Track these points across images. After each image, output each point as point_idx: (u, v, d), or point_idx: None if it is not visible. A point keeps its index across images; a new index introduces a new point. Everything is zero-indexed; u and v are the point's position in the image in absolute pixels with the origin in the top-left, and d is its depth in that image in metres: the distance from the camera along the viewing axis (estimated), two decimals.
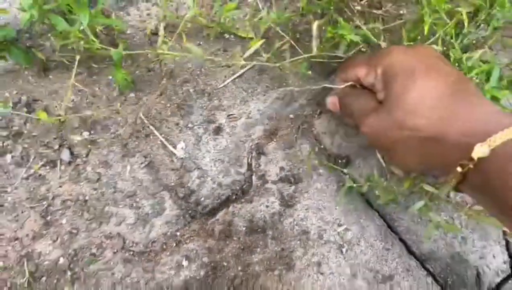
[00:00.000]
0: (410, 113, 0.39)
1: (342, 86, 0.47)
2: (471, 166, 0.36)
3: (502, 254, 0.49)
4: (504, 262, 0.49)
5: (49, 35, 0.60)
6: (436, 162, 0.40)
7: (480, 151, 0.35)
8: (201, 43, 0.59)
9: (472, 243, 0.49)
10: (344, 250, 0.49)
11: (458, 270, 0.49)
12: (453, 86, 0.39)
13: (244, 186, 0.53)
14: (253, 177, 0.53)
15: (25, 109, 0.55)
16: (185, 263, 0.49)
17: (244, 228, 0.50)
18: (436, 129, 0.38)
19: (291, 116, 0.56)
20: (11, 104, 0.55)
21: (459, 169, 0.37)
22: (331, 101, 0.50)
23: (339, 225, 0.50)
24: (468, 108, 0.38)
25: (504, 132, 0.35)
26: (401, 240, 0.50)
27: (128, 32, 0.59)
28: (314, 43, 0.51)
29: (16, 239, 0.50)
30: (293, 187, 0.52)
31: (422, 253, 0.50)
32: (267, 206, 0.51)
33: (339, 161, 0.54)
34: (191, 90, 0.57)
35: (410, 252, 0.50)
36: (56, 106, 0.55)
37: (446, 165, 0.39)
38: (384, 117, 0.40)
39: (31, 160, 0.53)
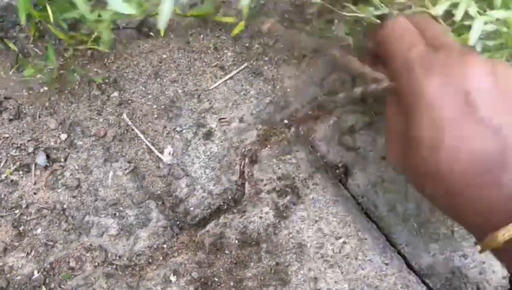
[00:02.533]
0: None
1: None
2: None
3: (502, 269, 0.50)
4: (504, 278, 0.50)
5: (23, 25, 0.56)
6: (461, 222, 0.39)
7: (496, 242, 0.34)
8: (190, 40, 0.57)
9: (472, 258, 0.50)
10: (342, 264, 0.49)
11: (458, 286, 0.49)
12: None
13: (236, 195, 0.51)
14: (246, 185, 0.52)
15: None
16: (173, 278, 0.47)
17: (236, 241, 0.49)
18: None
19: (286, 121, 0.55)
20: None
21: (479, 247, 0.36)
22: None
23: (337, 238, 0.50)
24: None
25: None
26: (400, 253, 0.50)
27: (112, 26, 0.57)
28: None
29: None
30: (288, 197, 0.51)
31: (421, 268, 0.49)
32: (260, 217, 0.50)
33: (336, 170, 0.53)
34: (180, 91, 0.55)
35: (409, 266, 0.50)
36: (30, 105, 0.52)
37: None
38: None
39: (2, 163, 0.50)
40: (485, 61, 0.36)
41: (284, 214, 0.51)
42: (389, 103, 0.41)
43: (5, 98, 0.52)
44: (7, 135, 0.51)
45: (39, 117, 0.52)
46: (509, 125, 0.34)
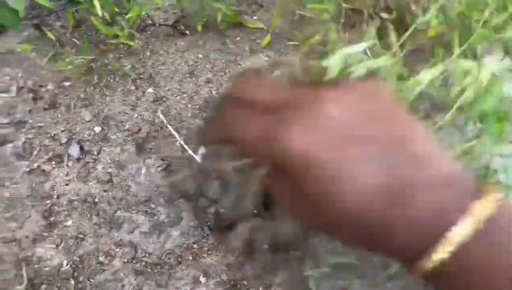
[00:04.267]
0: None
1: None
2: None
3: None
4: None
5: (59, 14, 0.57)
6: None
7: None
8: (226, 41, 0.58)
9: None
10: (378, 280, 0.50)
11: None
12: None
13: (268, 200, 0.52)
14: None
15: (30, 95, 0.52)
16: (202, 279, 0.48)
17: (266, 246, 0.50)
18: None
19: None
20: (14, 88, 0.52)
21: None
22: None
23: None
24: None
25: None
26: None
27: (149, 22, 0.57)
28: None
29: (14, 240, 0.47)
30: None
31: None
32: (292, 224, 0.51)
33: None
34: (214, 92, 0.55)
35: None
36: (66, 96, 0.52)
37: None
38: None
39: (34, 153, 0.50)
40: (342, 94, 0.34)
41: None
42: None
43: (40, 86, 0.53)
44: (41, 124, 0.51)
45: (74, 108, 0.52)
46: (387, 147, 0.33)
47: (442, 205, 0.31)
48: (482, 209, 0.29)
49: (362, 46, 0.42)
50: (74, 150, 0.51)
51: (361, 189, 0.32)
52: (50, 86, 0.52)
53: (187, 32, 0.58)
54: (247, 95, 0.41)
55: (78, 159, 0.51)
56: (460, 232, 0.29)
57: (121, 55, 0.55)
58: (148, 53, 0.56)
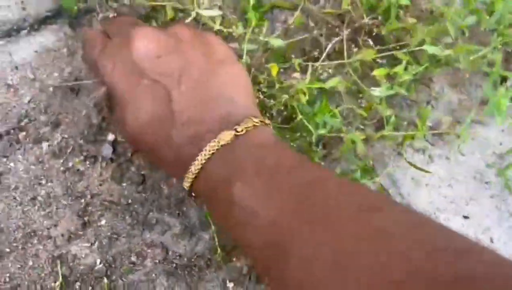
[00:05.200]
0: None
1: None
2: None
3: None
4: None
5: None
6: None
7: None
8: None
9: None
10: None
11: None
12: None
13: None
14: None
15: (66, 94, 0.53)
16: (229, 284, 0.49)
17: None
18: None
19: None
20: (51, 87, 0.53)
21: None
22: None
23: None
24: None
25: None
26: None
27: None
28: None
29: (49, 237, 0.49)
30: None
31: None
32: None
33: None
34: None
35: None
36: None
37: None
38: None
39: (69, 152, 0.51)
40: (149, 32, 0.42)
41: None
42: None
43: (76, 79, 0.53)
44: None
45: None
46: (172, 84, 0.40)
47: (199, 135, 0.38)
48: (225, 136, 0.37)
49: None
50: (107, 151, 0.52)
51: (138, 116, 0.39)
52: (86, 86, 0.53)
53: None
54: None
55: (112, 160, 0.52)
56: (204, 153, 0.37)
57: None
58: None
